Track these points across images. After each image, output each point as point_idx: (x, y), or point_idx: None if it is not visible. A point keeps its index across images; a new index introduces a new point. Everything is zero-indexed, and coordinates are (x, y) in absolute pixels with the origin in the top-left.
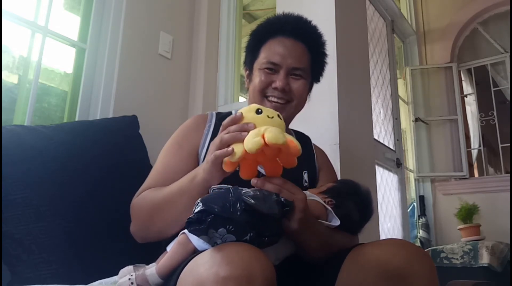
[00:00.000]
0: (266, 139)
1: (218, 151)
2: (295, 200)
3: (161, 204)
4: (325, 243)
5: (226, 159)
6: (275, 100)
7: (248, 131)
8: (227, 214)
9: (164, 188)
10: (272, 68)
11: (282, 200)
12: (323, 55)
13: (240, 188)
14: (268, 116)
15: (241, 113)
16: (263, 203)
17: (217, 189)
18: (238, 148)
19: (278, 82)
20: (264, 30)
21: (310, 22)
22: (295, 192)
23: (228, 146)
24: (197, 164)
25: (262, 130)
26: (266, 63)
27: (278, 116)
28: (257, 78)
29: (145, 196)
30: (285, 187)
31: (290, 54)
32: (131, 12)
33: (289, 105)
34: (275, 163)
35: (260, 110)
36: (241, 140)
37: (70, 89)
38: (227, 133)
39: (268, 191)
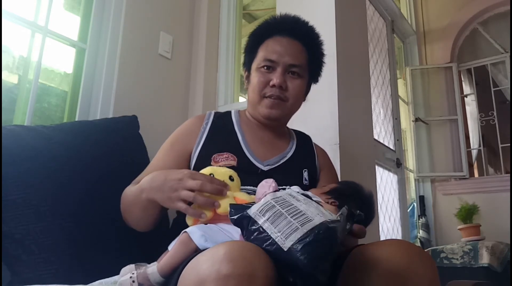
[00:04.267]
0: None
1: (183, 206)
2: None
3: (126, 207)
4: None
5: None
6: (273, 97)
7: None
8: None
9: (131, 191)
10: (270, 66)
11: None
12: (321, 54)
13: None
14: None
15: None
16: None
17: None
18: (208, 213)
19: (275, 79)
20: (261, 31)
21: (307, 23)
22: None
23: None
24: (188, 164)
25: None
26: (263, 61)
27: (230, 178)
28: (255, 78)
29: (126, 191)
30: None
31: (287, 52)
32: (131, 12)
33: (284, 104)
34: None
35: (212, 175)
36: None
37: (70, 89)
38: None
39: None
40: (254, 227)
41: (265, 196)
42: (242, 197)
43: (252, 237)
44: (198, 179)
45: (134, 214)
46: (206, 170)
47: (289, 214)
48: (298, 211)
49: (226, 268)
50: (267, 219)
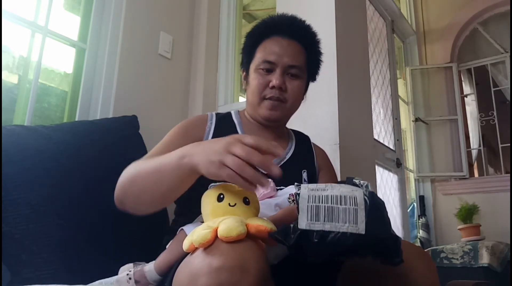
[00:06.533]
0: (218, 232)
1: (230, 173)
2: None
3: (139, 173)
4: None
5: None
6: (272, 99)
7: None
8: None
9: (148, 160)
10: (268, 68)
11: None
12: (319, 53)
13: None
14: (229, 204)
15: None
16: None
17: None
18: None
19: (275, 81)
20: (259, 31)
21: (304, 21)
22: None
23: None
24: None
25: (217, 223)
26: (262, 63)
27: (245, 200)
28: (255, 80)
29: (135, 166)
30: None
31: (286, 53)
32: (131, 12)
33: (284, 105)
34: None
35: (222, 196)
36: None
37: (70, 89)
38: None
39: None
40: (318, 236)
41: (264, 194)
42: (258, 222)
43: (322, 247)
44: (247, 145)
45: (158, 187)
46: (217, 188)
47: (336, 203)
48: (338, 196)
49: (217, 261)
50: (324, 221)
